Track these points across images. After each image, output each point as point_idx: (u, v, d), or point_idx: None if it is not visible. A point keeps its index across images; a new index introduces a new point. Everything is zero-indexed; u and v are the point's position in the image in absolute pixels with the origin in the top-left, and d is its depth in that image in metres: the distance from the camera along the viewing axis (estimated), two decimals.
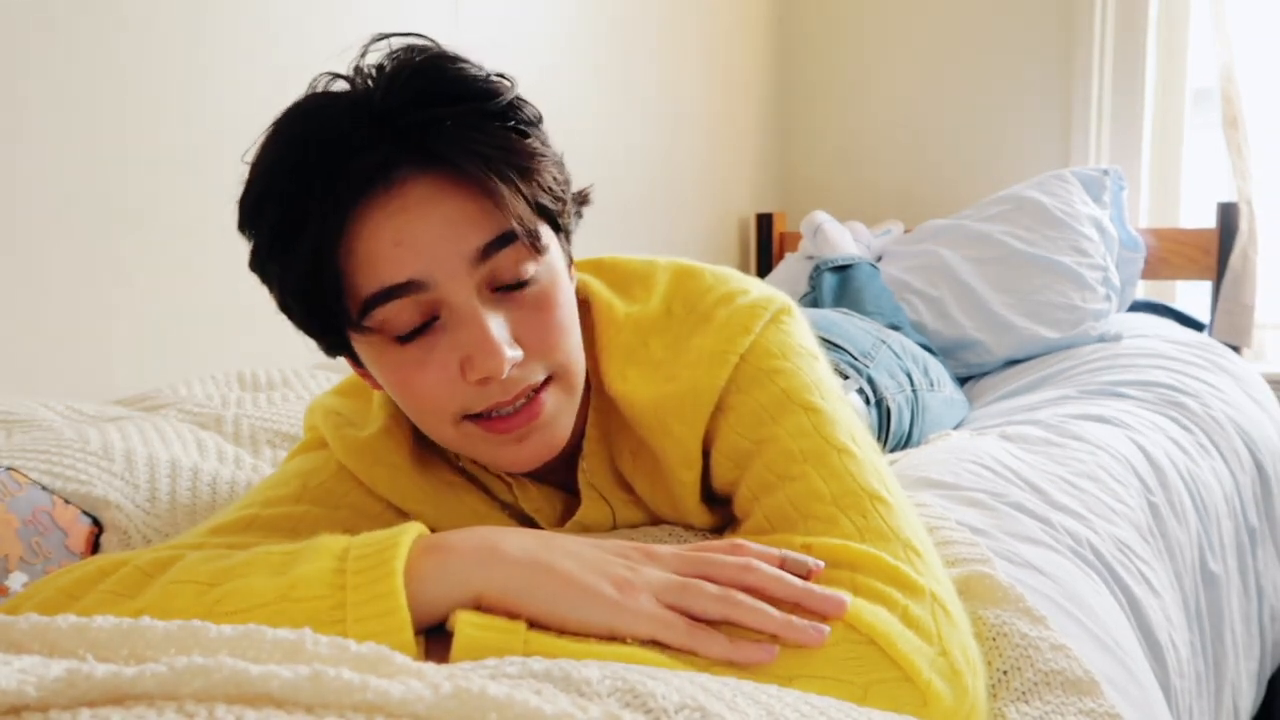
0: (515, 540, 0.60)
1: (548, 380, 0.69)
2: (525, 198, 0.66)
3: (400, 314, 0.66)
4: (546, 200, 0.68)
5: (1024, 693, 0.65)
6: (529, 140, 0.68)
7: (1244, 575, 1.32)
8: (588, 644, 0.55)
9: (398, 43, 0.67)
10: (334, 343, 0.72)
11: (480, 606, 0.58)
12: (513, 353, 0.65)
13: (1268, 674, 1.39)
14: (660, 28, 2.30)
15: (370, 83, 0.66)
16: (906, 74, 2.67)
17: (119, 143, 1.22)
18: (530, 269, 0.67)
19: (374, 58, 0.67)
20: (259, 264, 0.69)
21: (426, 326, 0.66)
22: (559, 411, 0.70)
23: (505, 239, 0.65)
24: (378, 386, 0.75)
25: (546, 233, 0.70)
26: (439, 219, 0.64)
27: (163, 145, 1.27)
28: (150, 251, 1.26)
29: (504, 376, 0.65)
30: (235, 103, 1.33)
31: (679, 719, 0.43)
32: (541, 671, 0.47)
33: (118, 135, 1.22)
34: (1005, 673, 0.66)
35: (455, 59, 0.67)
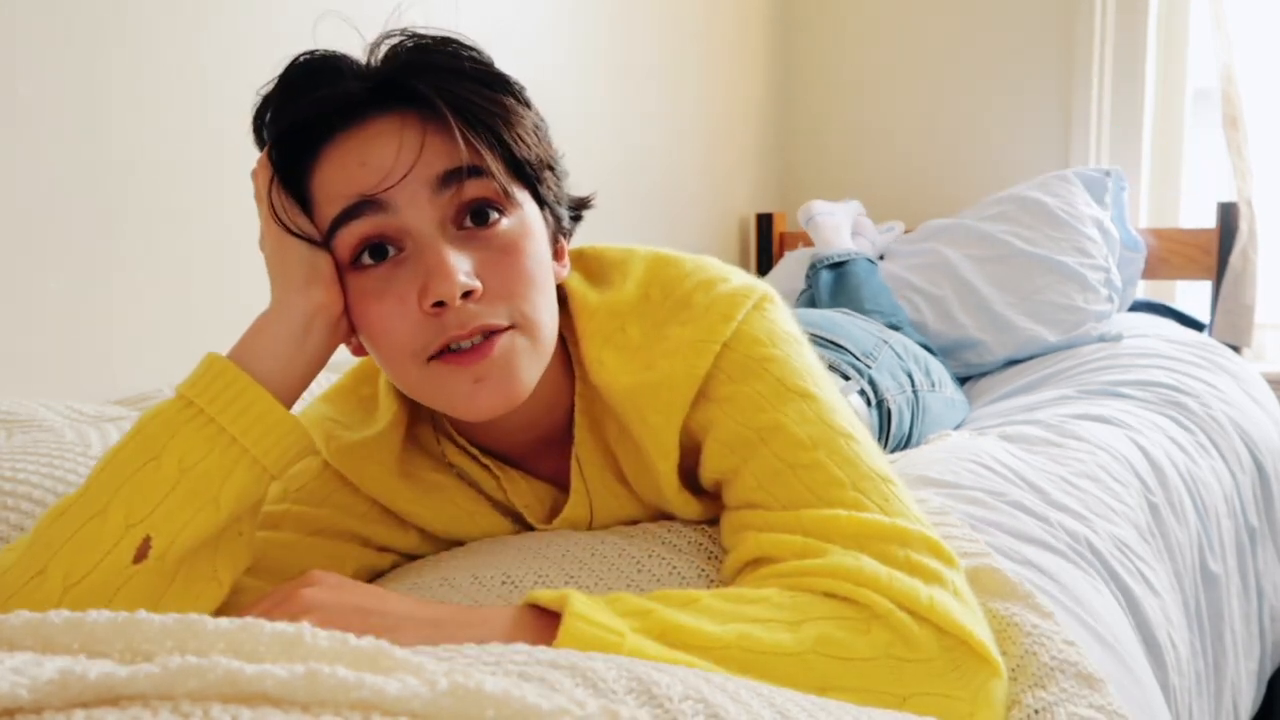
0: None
1: (510, 328, 0.69)
2: (491, 140, 0.68)
3: (363, 239, 0.68)
4: (518, 151, 0.70)
5: (1040, 678, 0.66)
6: (504, 97, 0.70)
7: (1244, 575, 1.32)
8: (688, 655, 0.57)
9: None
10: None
11: None
12: (467, 280, 0.66)
13: (1268, 674, 1.38)
14: (660, 28, 2.30)
15: (373, 54, 0.71)
16: (907, 74, 2.67)
17: (119, 143, 1.22)
18: (497, 210, 0.69)
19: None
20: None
21: (390, 257, 0.68)
22: (519, 359, 0.69)
23: (470, 170, 0.67)
24: (362, 351, 0.76)
25: (523, 195, 0.71)
26: (403, 144, 0.67)
27: (163, 145, 1.27)
28: (150, 251, 1.26)
29: (456, 303, 0.65)
30: (236, 104, 1.33)
31: (683, 708, 0.43)
32: (548, 661, 0.47)
33: (118, 135, 1.21)
34: (1021, 657, 0.67)
35: (458, 38, 0.71)
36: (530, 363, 0.70)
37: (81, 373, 1.20)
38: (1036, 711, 0.63)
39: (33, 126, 1.13)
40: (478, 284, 0.67)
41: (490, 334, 0.68)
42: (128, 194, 1.23)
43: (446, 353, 0.68)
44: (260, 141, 0.73)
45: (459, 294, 0.65)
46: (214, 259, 1.32)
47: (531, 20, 1.90)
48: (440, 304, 0.66)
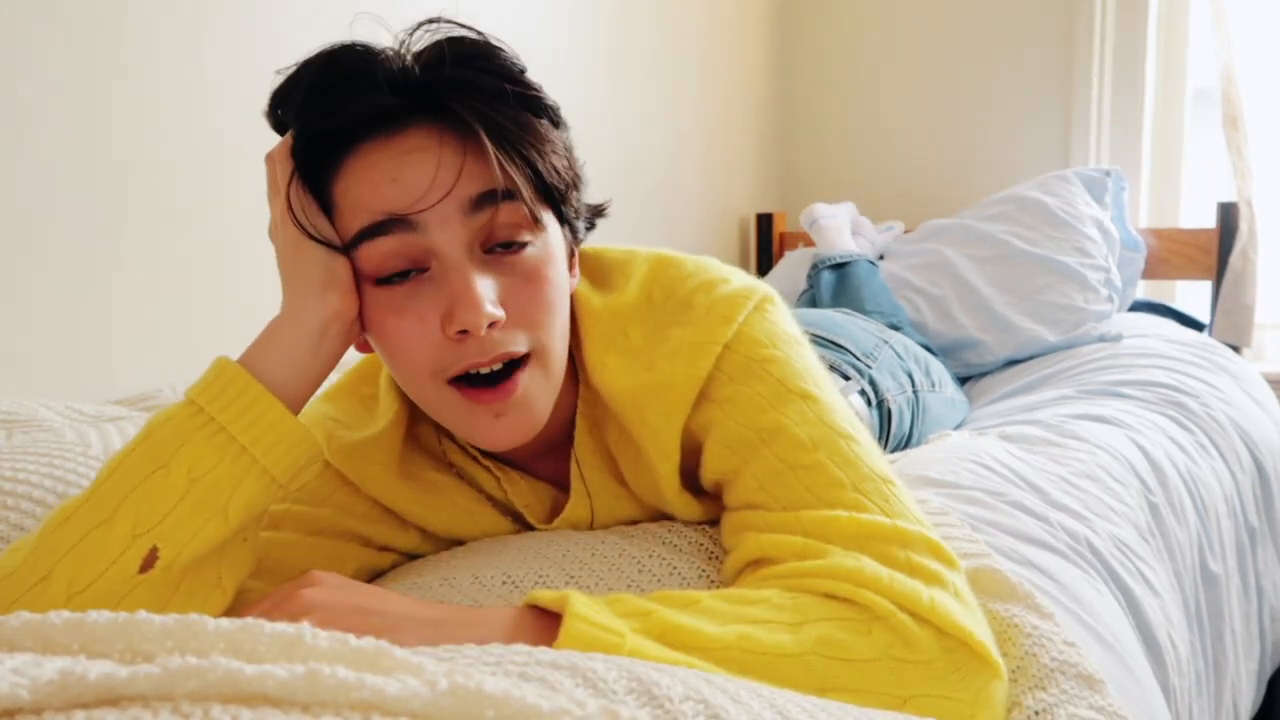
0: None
1: (527, 357, 0.69)
2: (525, 167, 0.68)
3: (388, 256, 0.67)
4: (549, 178, 0.69)
5: (1041, 679, 0.66)
6: (541, 121, 0.69)
7: (1244, 575, 1.32)
8: (688, 655, 0.57)
9: (446, 28, 0.69)
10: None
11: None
12: (494, 310, 0.66)
13: (1268, 674, 1.38)
14: (660, 29, 2.30)
15: (409, 52, 0.69)
16: (907, 74, 2.67)
17: (119, 143, 1.22)
18: (525, 236, 0.68)
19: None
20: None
21: (414, 275, 0.67)
22: (536, 393, 0.70)
23: (502, 194, 0.66)
24: (366, 347, 0.75)
25: (548, 216, 0.71)
26: (441, 165, 0.66)
27: (163, 145, 1.27)
28: (150, 251, 1.26)
29: (482, 332, 0.65)
30: (236, 104, 1.33)
31: (684, 708, 0.43)
32: (548, 661, 0.47)
33: (118, 135, 1.21)
34: (1021, 659, 0.67)
35: (494, 44, 0.69)
36: (545, 393, 0.71)
37: (81, 373, 1.20)
38: (1037, 713, 0.63)
39: (33, 126, 1.13)
40: (502, 314, 0.66)
41: (509, 363, 0.68)
42: (128, 194, 1.23)
43: (465, 379, 0.68)
44: (275, 123, 0.71)
45: (485, 325, 0.65)
46: (214, 259, 1.32)
47: (531, 20, 1.90)
48: (464, 331, 0.66)
